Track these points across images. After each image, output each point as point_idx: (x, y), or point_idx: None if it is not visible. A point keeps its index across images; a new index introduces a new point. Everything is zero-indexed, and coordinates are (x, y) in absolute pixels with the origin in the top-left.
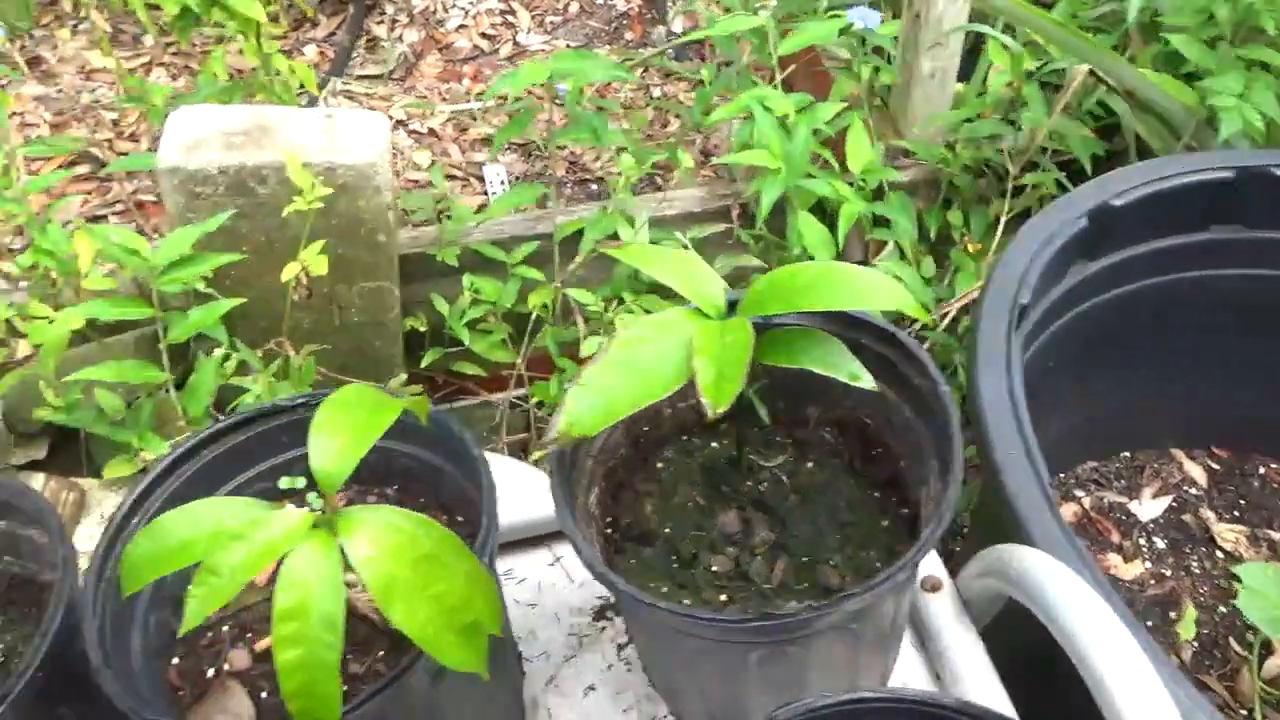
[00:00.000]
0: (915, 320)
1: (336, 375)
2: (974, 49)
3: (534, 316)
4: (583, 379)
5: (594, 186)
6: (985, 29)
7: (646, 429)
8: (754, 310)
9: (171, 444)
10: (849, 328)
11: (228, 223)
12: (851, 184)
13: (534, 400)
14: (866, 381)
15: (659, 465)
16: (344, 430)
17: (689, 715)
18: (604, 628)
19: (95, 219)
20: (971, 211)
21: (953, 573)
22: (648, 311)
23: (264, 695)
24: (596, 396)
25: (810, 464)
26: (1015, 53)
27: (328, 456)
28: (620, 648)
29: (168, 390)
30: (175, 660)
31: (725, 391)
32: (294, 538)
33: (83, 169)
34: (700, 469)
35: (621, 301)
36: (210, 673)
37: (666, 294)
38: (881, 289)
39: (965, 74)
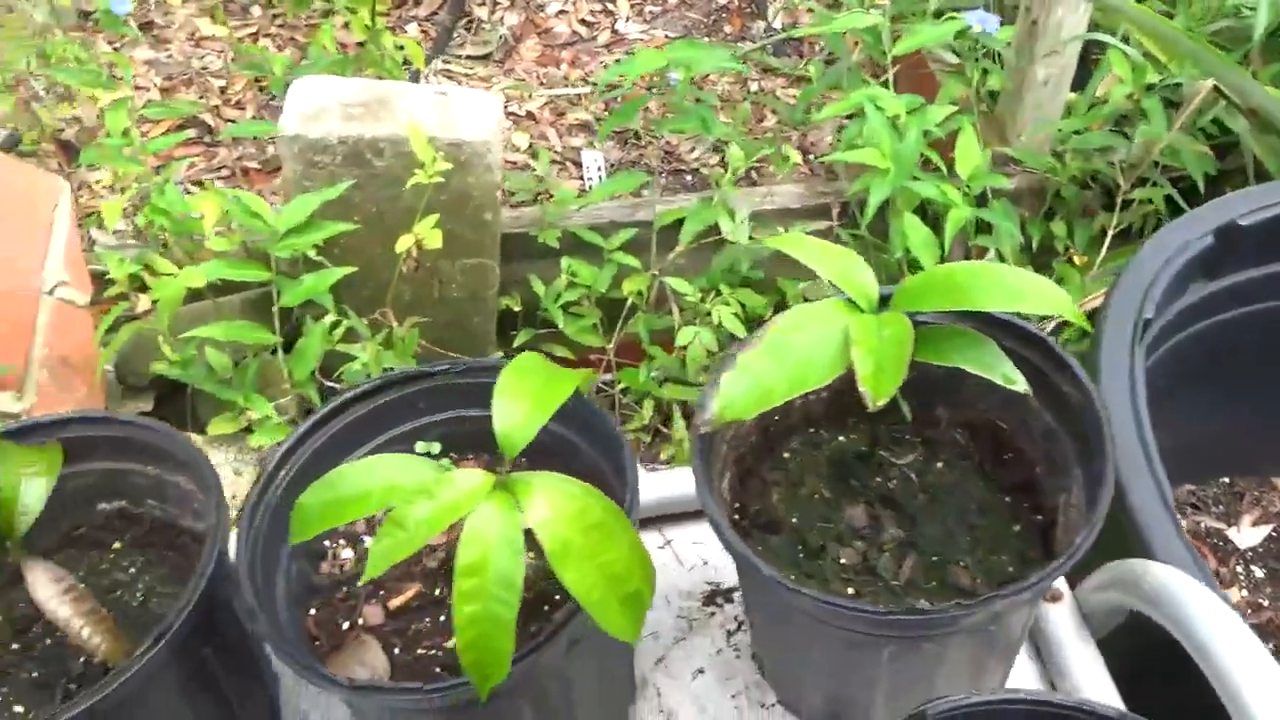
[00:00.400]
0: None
1: (434, 348)
2: (1084, 58)
3: (628, 303)
4: (739, 363)
5: (688, 178)
6: (1107, 38)
7: (776, 418)
8: (907, 305)
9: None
10: (993, 330)
11: (341, 193)
12: (957, 189)
13: (620, 386)
14: (1020, 385)
15: (785, 455)
16: (526, 396)
17: (803, 705)
18: (713, 613)
19: (199, 183)
20: (1076, 224)
21: (1070, 585)
22: (743, 305)
23: (397, 651)
24: (752, 381)
25: (940, 464)
26: (1138, 64)
27: (511, 420)
28: (730, 634)
29: (275, 353)
30: (312, 611)
31: (884, 384)
32: (476, 497)
33: (189, 133)
34: (828, 462)
35: (718, 293)
36: (345, 625)
37: (761, 288)
38: (1041, 291)
39: (1076, 83)
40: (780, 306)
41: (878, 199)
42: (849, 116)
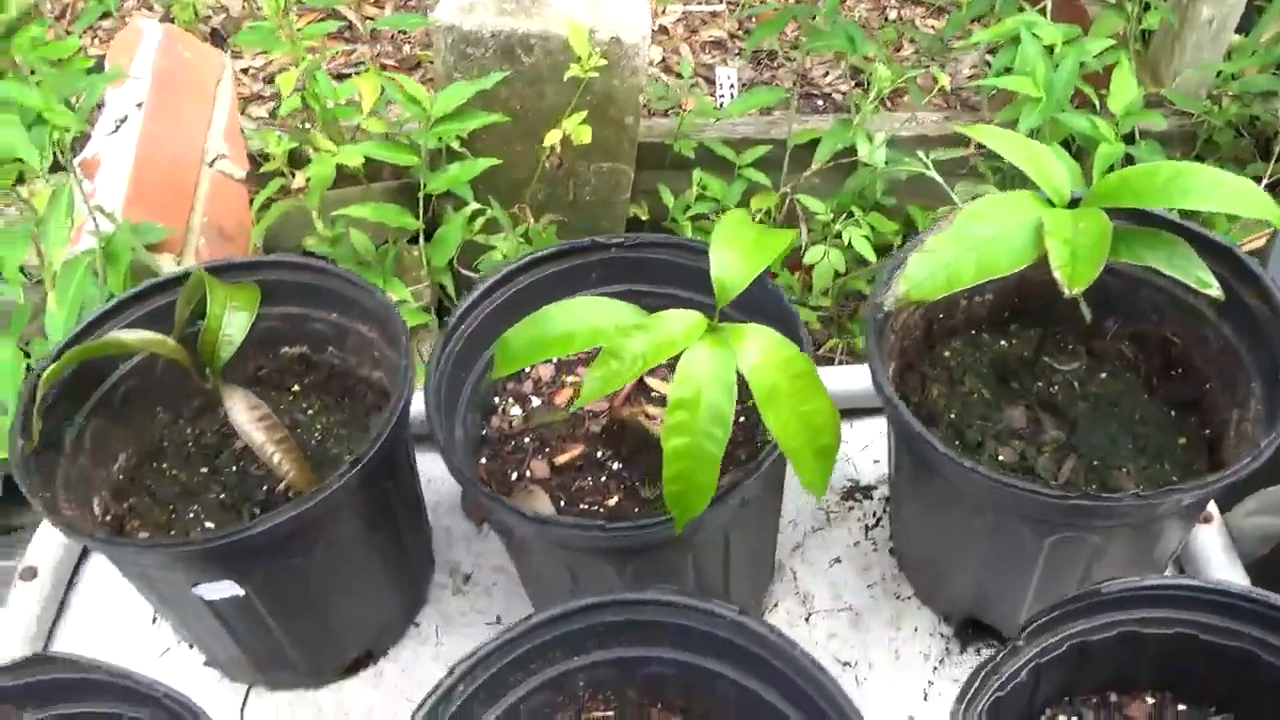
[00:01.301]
0: None
1: None
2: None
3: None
4: (926, 246)
5: (820, 102)
6: None
7: (941, 316)
8: (1102, 202)
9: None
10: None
11: (493, 85)
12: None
13: None
14: (1214, 289)
15: (946, 354)
16: (740, 246)
17: (940, 599)
18: (851, 507)
19: (340, 77)
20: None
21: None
22: (872, 228)
23: (561, 504)
24: (938, 265)
25: (1104, 374)
26: None
27: (727, 268)
28: (868, 529)
29: (413, 242)
30: (483, 460)
31: (1081, 274)
32: (692, 336)
33: (336, 24)
34: (989, 363)
35: (849, 215)
36: (514, 476)
37: (891, 214)
38: (1246, 194)
39: (1241, 25)
40: (911, 234)
41: (1027, 128)
42: (991, 51)
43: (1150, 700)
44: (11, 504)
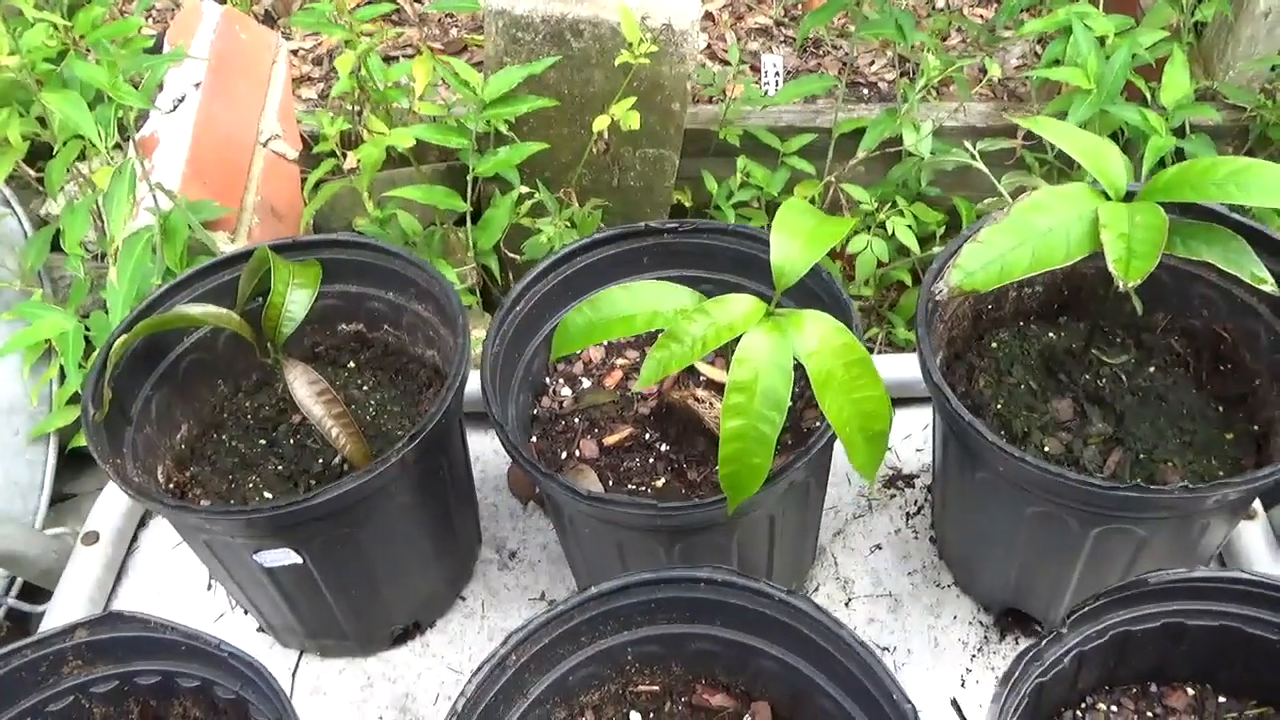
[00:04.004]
0: None
1: None
2: None
3: None
4: (981, 237)
5: (864, 91)
6: None
7: (990, 307)
8: (1159, 195)
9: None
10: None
11: (542, 70)
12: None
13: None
14: (1269, 284)
15: (993, 345)
16: (801, 233)
17: (979, 587)
18: (893, 495)
19: (387, 59)
20: None
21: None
22: (917, 218)
23: (609, 483)
24: (992, 256)
25: (1152, 368)
26: None
27: (787, 254)
28: (909, 516)
29: (460, 224)
30: (533, 439)
31: (1136, 268)
32: (751, 320)
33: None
34: (1037, 355)
35: (893, 205)
36: (564, 455)
37: (935, 205)
38: None
39: None
40: (954, 225)
41: (1078, 119)
42: (1040, 42)
43: (1190, 691)
44: (67, 472)
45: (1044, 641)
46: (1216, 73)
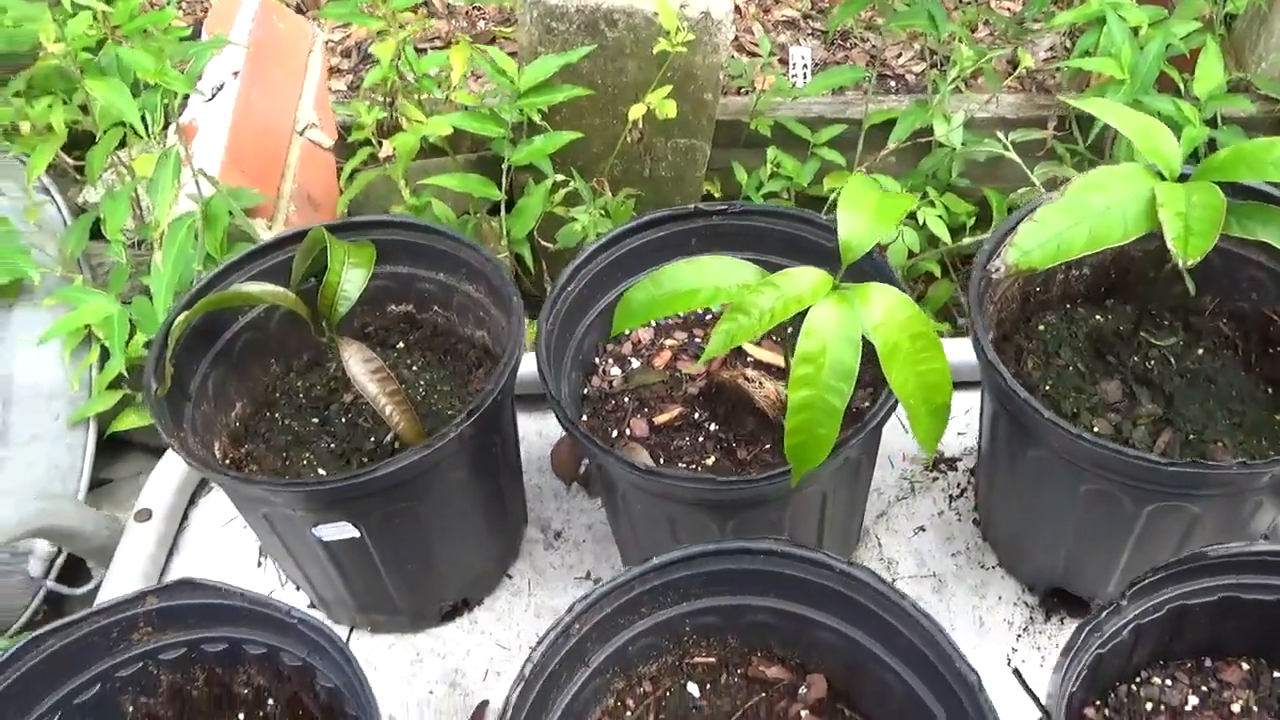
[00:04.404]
0: None
1: None
2: None
3: (829, 201)
4: (1037, 216)
5: (892, 83)
6: None
7: (1038, 289)
8: (1215, 175)
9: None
10: None
11: (578, 59)
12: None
13: None
14: None
15: (1041, 328)
16: (867, 209)
17: (1025, 568)
18: (936, 478)
19: (417, 50)
20: None
21: None
22: (948, 209)
23: (660, 461)
24: (1049, 234)
25: (1201, 350)
26: None
27: (854, 229)
28: (952, 499)
29: (494, 213)
30: (585, 417)
31: (1195, 246)
32: (819, 293)
33: None
34: (1085, 337)
35: (924, 195)
36: (614, 434)
37: (965, 196)
38: None
39: None
40: (984, 216)
41: None
42: (1070, 34)
43: (1245, 666)
44: (102, 459)
45: (1104, 613)
46: (1248, 64)
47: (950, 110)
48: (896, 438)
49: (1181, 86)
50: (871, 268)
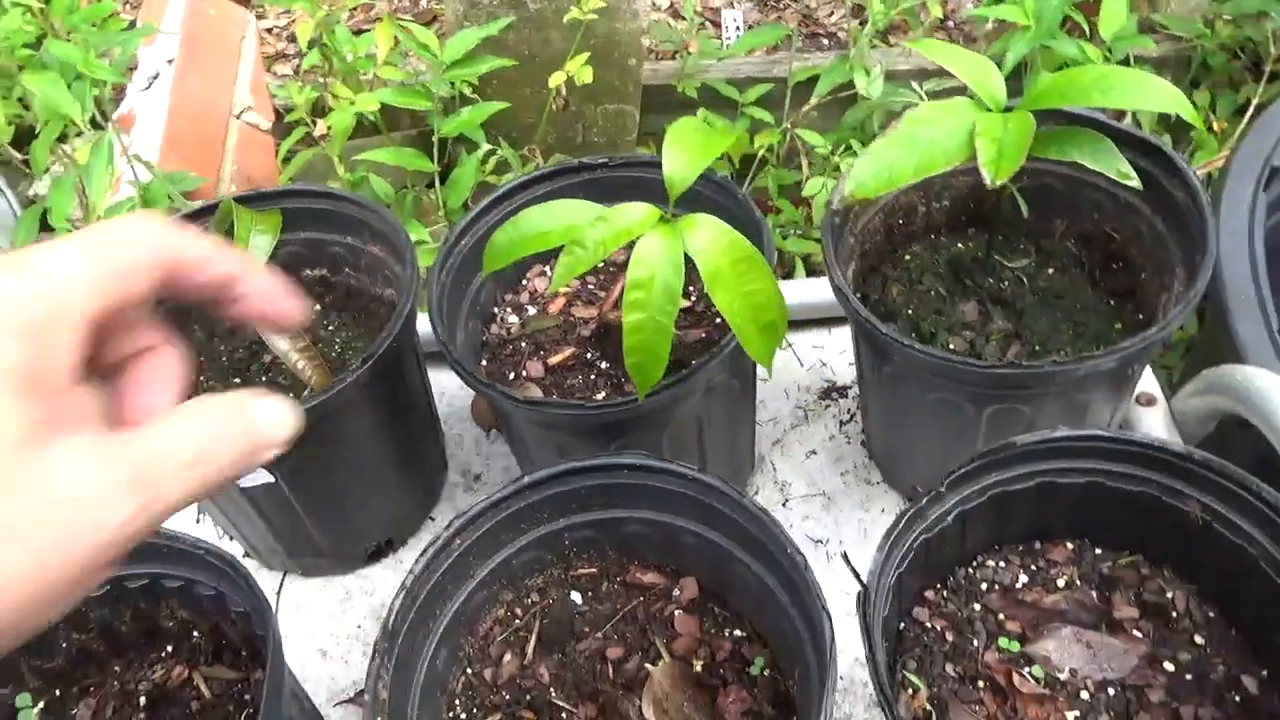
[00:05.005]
0: None
1: None
2: None
3: (758, 157)
4: (869, 150)
5: (824, 41)
6: None
7: (901, 222)
8: (1033, 105)
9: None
10: (1113, 136)
11: (495, 34)
12: (1100, 51)
13: None
14: (1133, 179)
15: (907, 257)
16: (688, 147)
17: (905, 477)
18: (828, 405)
19: (359, 32)
20: (1220, 94)
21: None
22: None
23: (554, 398)
24: (880, 165)
25: (1051, 270)
26: None
27: (676, 165)
28: (842, 424)
29: (430, 187)
30: (483, 363)
31: (1003, 168)
32: (646, 225)
33: None
34: (946, 264)
35: (848, 147)
36: (511, 376)
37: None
38: (1162, 92)
39: None
40: None
41: (1015, 56)
42: None
43: (1070, 546)
44: None
45: (925, 500)
46: (1160, 4)
47: (871, 64)
48: (792, 373)
49: (1088, 30)
50: (733, 205)
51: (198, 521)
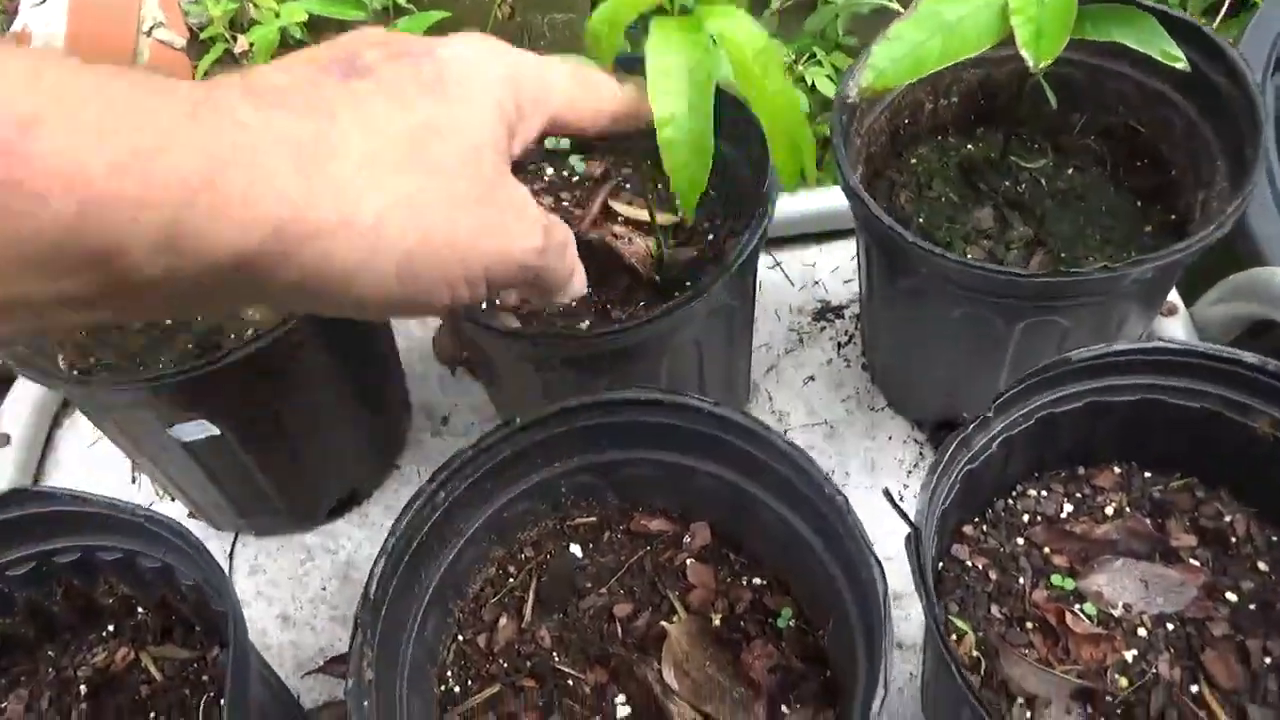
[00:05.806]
0: None
1: None
2: None
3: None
4: (890, 33)
5: None
6: None
7: (906, 121)
8: None
9: None
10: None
11: None
12: None
13: None
14: (1181, 63)
15: (913, 160)
16: None
17: (916, 402)
18: (823, 328)
19: None
20: None
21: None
22: (836, 69)
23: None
24: (903, 50)
25: (1071, 170)
26: None
27: None
28: (840, 346)
29: None
30: None
31: (1045, 48)
32: None
33: None
34: (956, 167)
35: (812, 56)
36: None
37: (853, 54)
38: None
39: None
40: None
41: None
42: None
43: (1117, 470)
44: None
45: (970, 427)
46: None
47: None
48: (783, 294)
49: None
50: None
51: (133, 481)
